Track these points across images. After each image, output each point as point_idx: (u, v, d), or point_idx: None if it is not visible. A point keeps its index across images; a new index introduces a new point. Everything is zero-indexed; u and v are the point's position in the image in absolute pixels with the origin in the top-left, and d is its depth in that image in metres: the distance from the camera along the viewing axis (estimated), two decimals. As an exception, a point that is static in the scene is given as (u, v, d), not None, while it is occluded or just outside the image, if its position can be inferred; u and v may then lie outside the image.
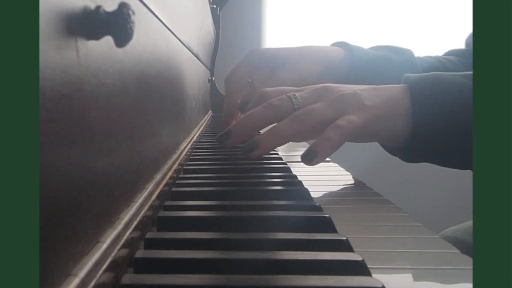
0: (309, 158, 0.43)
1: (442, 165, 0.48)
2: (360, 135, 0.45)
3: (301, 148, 0.75)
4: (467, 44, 0.79)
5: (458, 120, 0.43)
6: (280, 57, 0.66)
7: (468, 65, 0.72)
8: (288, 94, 0.47)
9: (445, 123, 0.43)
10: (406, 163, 0.49)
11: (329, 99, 0.45)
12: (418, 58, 0.72)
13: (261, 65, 0.66)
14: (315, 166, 0.44)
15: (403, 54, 0.70)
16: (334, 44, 0.71)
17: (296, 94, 0.47)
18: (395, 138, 0.46)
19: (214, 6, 1.29)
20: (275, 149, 0.65)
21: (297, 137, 0.46)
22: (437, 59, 0.74)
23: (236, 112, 0.69)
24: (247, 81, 0.68)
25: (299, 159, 0.45)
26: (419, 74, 0.47)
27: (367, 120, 0.44)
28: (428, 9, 1.68)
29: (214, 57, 1.34)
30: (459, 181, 1.41)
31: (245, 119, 0.48)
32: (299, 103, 0.46)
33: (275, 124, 0.46)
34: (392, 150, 0.50)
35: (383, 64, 0.67)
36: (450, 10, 1.67)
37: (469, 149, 0.43)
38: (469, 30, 0.71)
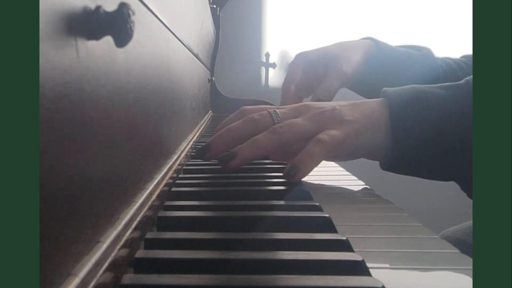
0: (291, 174, 0.42)
1: (425, 178, 0.48)
2: (342, 149, 0.45)
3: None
4: None
5: (437, 132, 0.43)
6: (329, 52, 0.68)
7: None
8: (268, 110, 0.47)
9: (424, 135, 0.43)
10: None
11: (310, 115, 0.46)
12: (440, 59, 0.73)
13: (313, 64, 0.69)
14: (316, 167, 0.44)
15: (427, 55, 0.71)
16: (363, 39, 0.74)
17: (277, 110, 0.47)
18: (377, 151, 0.46)
19: (214, 6, 1.29)
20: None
21: (275, 150, 0.45)
22: (456, 62, 0.74)
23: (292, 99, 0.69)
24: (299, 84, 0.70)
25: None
26: (397, 88, 0.47)
27: (347, 134, 0.44)
28: (430, 9, 1.68)
29: (214, 57, 1.34)
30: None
31: (225, 132, 0.47)
32: (279, 118, 0.46)
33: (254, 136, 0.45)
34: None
35: (407, 61, 0.70)
36: (454, 12, 1.67)
37: (450, 160, 0.44)
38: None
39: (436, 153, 0.44)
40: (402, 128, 0.44)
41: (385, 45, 0.71)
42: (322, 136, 0.43)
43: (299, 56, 0.71)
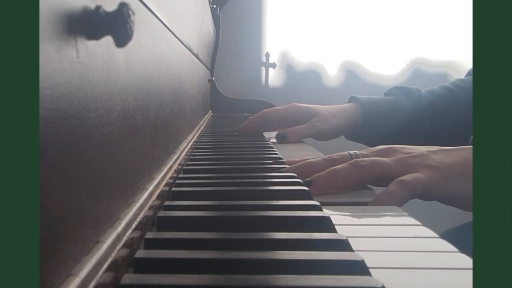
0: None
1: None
2: (427, 194, 0.43)
3: (301, 151, 0.75)
4: None
5: None
6: (314, 109, 0.80)
7: None
8: (350, 151, 0.47)
9: None
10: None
11: (396, 157, 0.45)
12: (429, 91, 0.82)
13: (296, 116, 0.81)
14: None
15: (412, 96, 0.81)
16: (349, 100, 0.85)
17: (357, 151, 0.48)
18: (464, 200, 0.43)
19: (214, 6, 1.29)
20: (274, 149, 0.65)
21: (352, 183, 0.44)
22: (446, 88, 0.82)
23: (255, 130, 0.83)
24: (274, 124, 0.84)
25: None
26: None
27: (433, 179, 0.42)
28: (430, 9, 1.68)
29: (214, 57, 1.34)
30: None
31: (303, 163, 0.48)
32: (358, 157, 0.46)
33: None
34: None
35: (391, 108, 0.80)
36: (453, 16, 1.67)
37: None
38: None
39: None
40: None
41: (368, 101, 0.81)
42: (407, 177, 0.42)
43: (292, 106, 0.82)
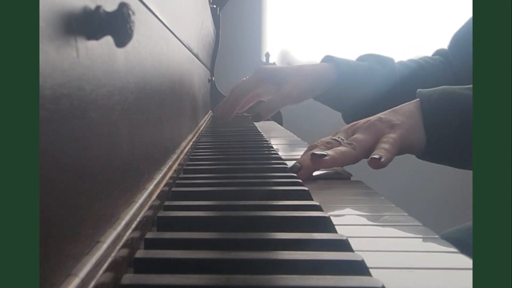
0: (376, 160, 0.47)
1: (456, 166, 0.55)
2: (401, 149, 0.50)
3: (301, 149, 0.75)
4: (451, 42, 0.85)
5: (463, 127, 0.49)
6: (282, 74, 0.77)
7: (448, 65, 0.82)
8: (332, 138, 0.54)
9: (452, 130, 0.50)
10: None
11: (363, 129, 0.52)
12: (400, 63, 0.83)
13: (267, 80, 0.77)
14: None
15: (386, 65, 0.81)
16: (323, 60, 0.83)
17: (338, 137, 0.53)
18: (415, 146, 0.52)
19: (214, 6, 1.29)
20: (274, 149, 0.65)
21: (349, 162, 0.50)
22: (417, 62, 0.83)
23: (233, 110, 0.79)
24: (254, 94, 0.80)
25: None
26: (429, 89, 0.54)
27: (401, 134, 0.50)
28: (430, 9, 1.68)
29: (214, 57, 1.34)
30: (459, 182, 1.41)
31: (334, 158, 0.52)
32: (343, 140, 0.52)
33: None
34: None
35: (366, 74, 0.79)
36: (453, 16, 1.67)
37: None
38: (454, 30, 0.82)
39: (462, 143, 0.50)
40: (433, 123, 0.51)
41: (343, 63, 0.79)
42: (385, 138, 0.49)
43: (258, 70, 0.79)
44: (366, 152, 0.50)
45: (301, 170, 0.49)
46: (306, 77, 0.77)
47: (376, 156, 0.47)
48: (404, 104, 0.54)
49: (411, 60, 0.84)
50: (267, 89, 0.77)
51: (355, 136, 0.51)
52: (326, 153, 0.49)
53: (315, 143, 0.54)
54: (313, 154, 0.49)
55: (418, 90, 0.55)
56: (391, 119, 0.51)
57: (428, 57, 0.86)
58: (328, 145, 0.52)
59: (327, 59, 0.82)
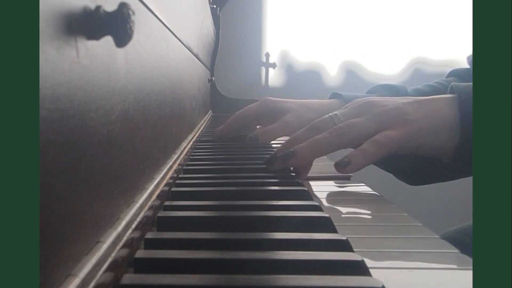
0: (341, 166, 0.43)
1: None
2: (401, 148, 0.45)
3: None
4: (469, 63, 0.81)
5: None
6: (286, 105, 0.75)
7: None
8: (330, 114, 0.48)
9: None
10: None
11: (371, 115, 0.46)
12: (415, 89, 0.78)
13: (270, 110, 0.76)
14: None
15: (397, 94, 0.75)
16: (330, 97, 0.80)
17: (338, 112, 0.48)
18: (440, 150, 0.46)
19: (214, 6, 1.29)
20: (274, 149, 0.65)
21: (333, 150, 0.46)
22: (432, 86, 0.79)
23: (233, 134, 0.78)
24: (253, 121, 0.79)
25: None
26: (467, 84, 0.47)
27: (408, 133, 0.44)
28: (429, 9, 1.68)
29: (214, 57, 1.34)
30: (459, 182, 1.41)
31: (288, 142, 0.49)
32: (341, 120, 0.47)
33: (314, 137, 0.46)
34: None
35: None
36: (453, 15, 1.67)
37: None
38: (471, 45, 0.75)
39: None
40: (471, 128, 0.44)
41: (354, 99, 0.76)
42: (378, 136, 0.43)
43: (263, 101, 0.77)
44: (357, 141, 0.45)
45: (275, 164, 0.47)
46: (311, 110, 0.75)
47: (341, 164, 0.43)
48: (433, 97, 0.47)
49: (425, 85, 0.80)
50: (270, 119, 0.76)
51: (355, 120, 0.46)
52: (292, 151, 0.45)
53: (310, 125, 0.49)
54: (279, 157, 0.46)
55: (453, 83, 0.48)
56: (407, 112, 0.45)
57: (443, 79, 0.81)
58: (314, 131, 0.47)
59: (335, 95, 0.80)
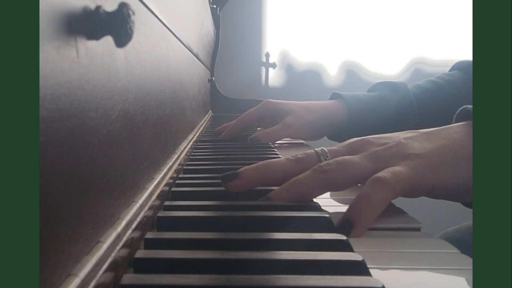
0: (346, 230, 0.31)
1: None
2: (412, 190, 0.35)
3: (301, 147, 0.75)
4: None
5: None
6: (287, 107, 0.75)
7: (468, 80, 0.75)
8: (316, 149, 0.41)
9: None
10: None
11: (369, 152, 0.37)
12: (415, 86, 0.78)
13: (271, 115, 0.76)
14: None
15: (398, 91, 0.76)
16: (330, 97, 0.80)
17: (325, 148, 0.40)
18: (462, 187, 0.35)
19: (214, 6, 1.29)
20: (274, 149, 0.65)
21: (319, 192, 0.37)
22: (433, 82, 0.78)
23: (234, 136, 0.77)
24: (254, 125, 0.80)
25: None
26: None
27: (414, 170, 0.34)
28: (429, 9, 1.68)
29: (214, 57, 1.34)
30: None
31: (261, 166, 0.39)
32: (327, 157, 0.39)
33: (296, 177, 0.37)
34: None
35: (378, 104, 0.74)
36: (453, 16, 1.67)
37: None
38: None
39: None
40: None
41: (354, 98, 0.76)
42: (383, 173, 0.33)
43: (265, 103, 0.77)
44: (349, 182, 0.36)
45: (237, 180, 0.38)
46: (311, 111, 0.74)
47: (345, 226, 0.32)
48: (446, 126, 0.39)
49: (427, 81, 0.79)
50: (271, 121, 0.76)
51: (346, 157, 0.37)
52: (268, 198, 0.37)
53: (297, 155, 0.40)
54: (220, 177, 0.39)
55: (465, 106, 0.39)
56: (412, 147, 0.36)
57: (445, 74, 0.80)
58: (297, 164, 0.39)
59: (335, 96, 0.79)
